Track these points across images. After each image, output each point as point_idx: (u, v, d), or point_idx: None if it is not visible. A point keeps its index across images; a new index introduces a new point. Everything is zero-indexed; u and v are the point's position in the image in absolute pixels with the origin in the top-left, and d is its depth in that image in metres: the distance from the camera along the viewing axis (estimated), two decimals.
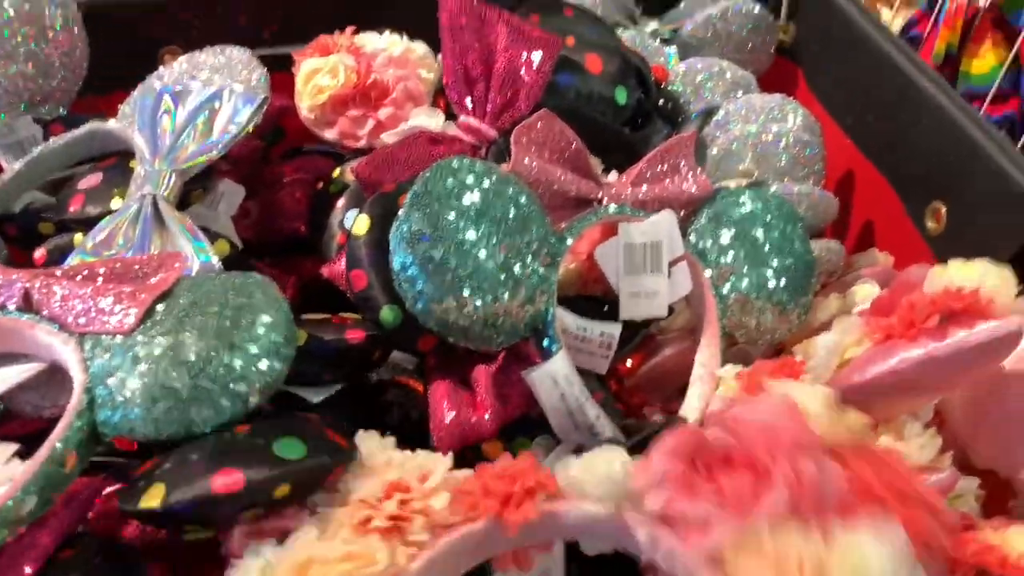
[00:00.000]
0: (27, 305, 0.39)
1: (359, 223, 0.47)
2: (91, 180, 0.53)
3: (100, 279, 0.39)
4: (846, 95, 0.68)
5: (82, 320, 0.38)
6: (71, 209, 0.52)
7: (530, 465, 0.36)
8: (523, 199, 0.46)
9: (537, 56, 0.52)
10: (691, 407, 0.49)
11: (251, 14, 0.66)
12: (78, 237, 0.53)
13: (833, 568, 0.29)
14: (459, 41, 0.51)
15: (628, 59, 0.58)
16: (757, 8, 0.72)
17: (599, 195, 0.50)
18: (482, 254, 0.43)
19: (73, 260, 0.46)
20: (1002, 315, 0.39)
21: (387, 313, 0.45)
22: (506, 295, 0.44)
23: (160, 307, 0.38)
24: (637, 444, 0.41)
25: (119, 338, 0.37)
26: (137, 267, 0.41)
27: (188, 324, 0.37)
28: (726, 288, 0.52)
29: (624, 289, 0.50)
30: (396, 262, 0.42)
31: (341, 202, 0.54)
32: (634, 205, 0.51)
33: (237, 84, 0.52)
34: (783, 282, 0.52)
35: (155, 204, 0.47)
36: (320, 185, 0.60)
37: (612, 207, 0.50)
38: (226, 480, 0.33)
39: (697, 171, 0.54)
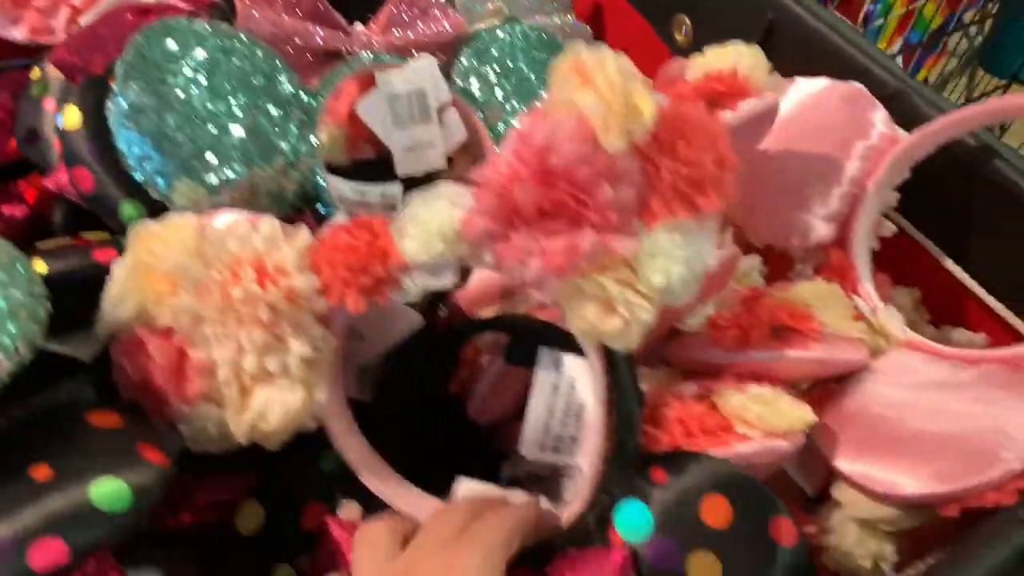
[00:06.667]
0: None
1: (69, 115, 0.40)
2: None
3: None
4: None
5: None
6: None
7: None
8: (259, 53, 0.41)
9: None
10: None
11: None
12: None
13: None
14: None
15: None
16: None
17: (348, 45, 0.46)
18: (223, 120, 0.39)
19: None
20: (758, 92, 0.40)
21: (127, 209, 0.39)
22: (261, 163, 0.39)
23: None
24: None
25: None
26: None
27: None
28: (500, 127, 0.50)
29: (396, 144, 0.47)
30: (122, 145, 0.36)
31: (50, 104, 0.45)
32: (389, 53, 0.47)
33: None
34: None
35: None
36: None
37: (365, 56, 0.46)
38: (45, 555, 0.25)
39: (448, 11, 0.51)
